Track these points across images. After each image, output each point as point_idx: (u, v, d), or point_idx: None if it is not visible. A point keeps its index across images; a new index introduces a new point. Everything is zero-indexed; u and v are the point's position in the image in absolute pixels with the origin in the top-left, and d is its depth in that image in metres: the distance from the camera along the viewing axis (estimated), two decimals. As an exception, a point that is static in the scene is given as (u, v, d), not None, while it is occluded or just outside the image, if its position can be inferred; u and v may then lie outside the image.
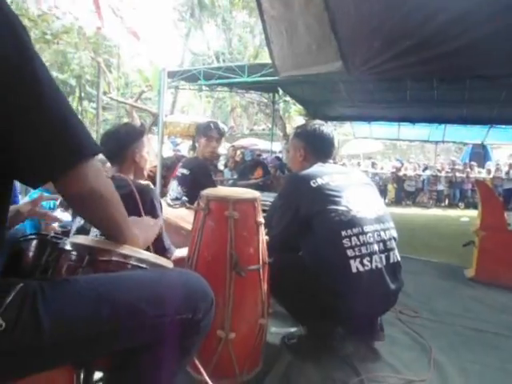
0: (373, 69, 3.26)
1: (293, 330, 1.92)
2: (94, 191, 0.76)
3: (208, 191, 1.56)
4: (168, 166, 5.36)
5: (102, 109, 16.16)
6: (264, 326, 1.54)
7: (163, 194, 3.42)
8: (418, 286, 2.83)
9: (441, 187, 11.98)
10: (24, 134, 0.65)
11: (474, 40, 2.63)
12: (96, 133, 15.11)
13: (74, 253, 0.93)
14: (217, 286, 1.03)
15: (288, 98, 9.53)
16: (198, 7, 16.95)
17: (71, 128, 0.70)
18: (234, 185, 5.27)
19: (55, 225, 1.76)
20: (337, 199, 1.63)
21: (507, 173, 10.96)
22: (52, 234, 1.12)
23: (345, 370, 1.69)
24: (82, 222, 1.51)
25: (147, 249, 1.09)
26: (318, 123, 1.93)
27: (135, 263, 0.93)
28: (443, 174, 12.14)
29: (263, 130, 19.52)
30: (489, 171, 11.44)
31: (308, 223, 1.64)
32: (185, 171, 2.70)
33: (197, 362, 1.18)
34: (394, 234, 1.73)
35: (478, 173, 11.66)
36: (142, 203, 1.46)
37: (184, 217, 2.11)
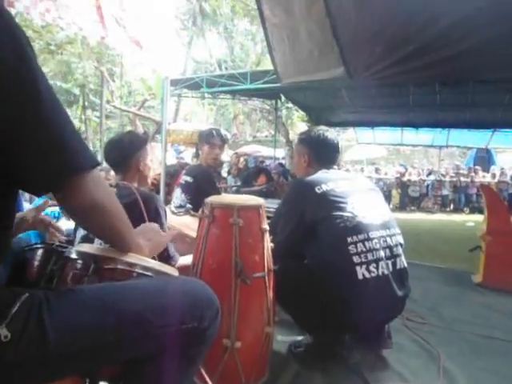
0: (375, 74, 3.27)
1: (299, 338, 1.89)
2: (95, 203, 0.76)
3: (212, 198, 1.56)
4: (171, 174, 5.36)
5: (106, 117, 16.28)
6: (270, 335, 1.52)
7: (167, 201, 3.42)
8: (424, 292, 2.79)
9: (445, 192, 11.92)
10: (22, 142, 0.65)
11: (476, 44, 2.63)
12: (99, 141, 15.21)
13: (80, 261, 0.93)
14: (222, 294, 1.02)
15: (290, 105, 9.55)
16: (200, 16, 17.12)
17: (69, 139, 0.70)
18: (237, 192, 5.27)
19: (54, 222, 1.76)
20: (342, 205, 1.62)
21: (512, 177, 10.91)
22: (57, 243, 1.12)
23: (353, 379, 1.66)
24: (87, 230, 1.50)
25: (152, 256, 1.08)
26: (322, 129, 1.92)
27: (140, 271, 0.92)
28: (447, 178, 12.09)
29: (266, 136, 19.58)
30: (493, 175, 11.39)
31: (313, 230, 1.63)
32: (188, 179, 2.70)
33: (203, 372, 1.17)
34: (401, 239, 1.72)
35: (483, 177, 11.60)
36: (146, 211, 1.46)
37: (188, 224, 2.10)
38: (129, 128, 14.33)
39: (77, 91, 16.18)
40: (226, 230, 1.46)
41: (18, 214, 1.30)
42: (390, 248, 1.63)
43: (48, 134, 0.66)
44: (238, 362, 1.44)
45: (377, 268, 1.56)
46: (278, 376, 1.64)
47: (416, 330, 2.18)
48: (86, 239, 1.47)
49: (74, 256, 0.94)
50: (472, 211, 11.00)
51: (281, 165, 8.28)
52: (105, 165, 1.89)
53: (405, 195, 12.09)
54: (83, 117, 17.37)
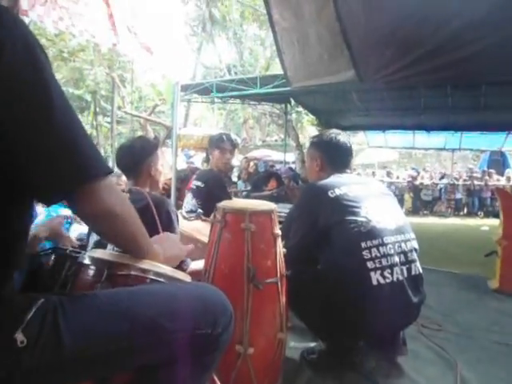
0: (386, 77, 3.24)
1: (312, 344, 1.87)
2: (108, 210, 0.75)
3: (224, 203, 1.55)
4: (182, 179, 5.38)
5: (117, 123, 16.49)
6: (283, 341, 1.50)
7: (178, 206, 3.43)
8: (439, 298, 2.74)
9: (459, 196, 11.75)
10: (34, 149, 0.65)
11: (488, 45, 2.60)
12: (111, 147, 15.41)
13: (93, 267, 0.93)
14: (234, 300, 1.01)
15: (300, 109, 9.54)
16: (209, 21, 17.27)
17: (82, 146, 0.70)
18: (247, 196, 5.26)
19: (73, 238, 1.78)
20: (355, 210, 1.60)
21: (527, 180, 10.70)
22: (70, 249, 1.13)
23: (367, 387, 1.63)
24: (100, 235, 1.51)
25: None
26: (334, 132, 1.90)
27: (153, 277, 0.92)
28: (461, 182, 11.92)
29: (276, 140, 19.58)
30: (508, 178, 11.18)
31: (326, 234, 1.61)
32: (199, 184, 2.70)
33: (215, 378, 1.15)
34: (415, 245, 1.68)
35: (497, 180, 11.40)
36: (157, 215, 1.46)
37: (200, 229, 2.10)
38: (139, 133, 14.49)
39: (88, 97, 16.43)
40: (238, 235, 1.45)
41: (31, 233, 1.31)
42: (405, 253, 1.60)
43: (61, 140, 0.66)
44: (250, 368, 1.42)
45: (391, 274, 1.53)
46: (292, 383, 1.62)
47: (431, 337, 2.14)
48: (99, 244, 1.48)
49: (87, 262, 0.95)
50: (486, 215, 10.80)
51: (291, 169, 8.25)
52: (116, 170, 1.91)
53: (417, 199, 11.95)
54: (94, 123, 17.62)
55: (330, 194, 1.63)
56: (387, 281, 1.52)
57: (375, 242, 1.55)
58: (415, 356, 1.89)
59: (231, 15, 17.28)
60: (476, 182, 11.53)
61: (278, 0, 3.27)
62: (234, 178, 8.41)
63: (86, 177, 0.70)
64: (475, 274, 3.65)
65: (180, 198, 4.05)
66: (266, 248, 1.47)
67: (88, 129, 16.29)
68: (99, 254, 0.99)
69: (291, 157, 10.85)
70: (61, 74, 14.09)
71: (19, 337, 0.62)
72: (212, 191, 2.56)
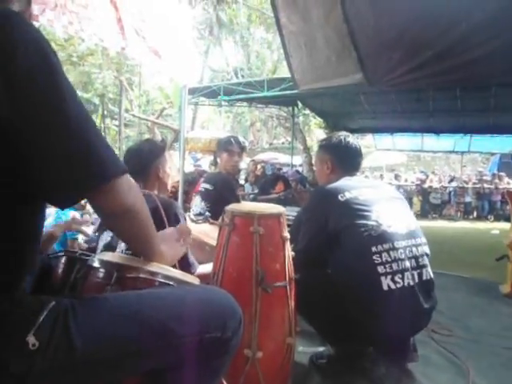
0: (394, 80, 3.22)
1: (321, 349, 1.85)
2: (128, 207, 0.76)
3: (232, 206, 1.54)
4: (190, 182, 5.40)
5: (124, 126, 16.63)
6: (292, 346, 1.48)
7: (186, 209, 3.44)
8: (450, 303, 2.69)
9: (468, 199, 11.62)
10: (48, 151, 0.65)
11: (498, 47, 2.57)
12: (118, 150, 15.52)
13: (102, 270, 0.93)
14: (243, 303, 1.00)
15: (308, 111, 9.53)
16: (216, 25, 17.36)
17: (99, 146, 0.70)
18: (254, 199, 5.26)
19: (81, 241, 1.79)
20: (366, 214, 1.58)
21: (538, 183, 10.54)
22: (80, 251, 1.13)
23: (377, 393, 1.61)
24: (109, 238, 1.51)
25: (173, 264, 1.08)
26: (343, 134, 1.89)
27: (162, 280, 0.92)
28: (470, 185, 11.78)
29: (283, 143, 19.58)
30: (519, 182, 11.04)
31: (336, 238, 1.59)
32: (208, 186, 2.70)
33: (224, 382, 1.14)
34: (427, 250, 1.66)
35: (508, 183, 11.25)
36: (166, 218, 1.46)
37: (208, 232, 2.10)
38: (147, 136, 14.59)
39: (96, 100, 16.60)
40: (247, 238, 1.44)
41: (46, 231, 1.32)
42: (416, 258, 1.58)
43: (76, 142, 0.66)
44: (259, 372, 1.40)
45: (402, 279, 1.51)
46: (300, 388, 1.61)
47: (442, 343, 2.10)
48: (108, 247, 1.48)
49: (96, 265, 0.95)
50: (497, 219, 10.66)
51: (298, 172, 8.23)
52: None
53: (426, 202, 11.84)
54: (102, 125, 17.79)
55: (339, 197, 1.62)
56: (398, 286, 1.49)
57: (386, 246, 1.53)
58: (426, 362, 1.85)
59: (238, 19, 17.36)
60: (486, 186, 11.40)
61: (286, 3, 3.27)
62: (241, 181, 8.41)
63: (104, 177, 0.70)
64: (486, 278, 3.60)
65: (187, 200, 4.06)
66: (275, 251, 1.46)
67: (97, 132, 16.37)
68: (108, 256, 1.00)
69: (298, 160, 10.84)
70: (70, 77, 14.17)
71: (31, 339, 0.62)
72: (221, 194, 2.56)
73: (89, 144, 0.68)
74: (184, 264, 1.52)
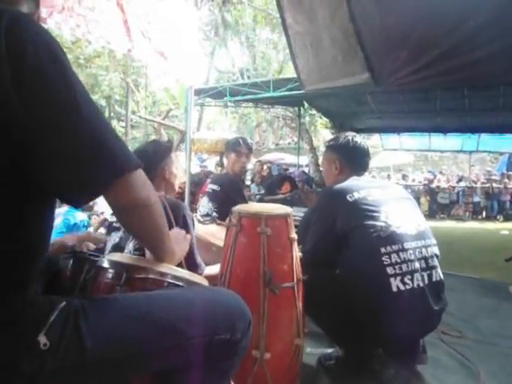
0: (401, 79, 3.20)
1: (329, 350, 1.84)
2: (142, 202, 0.76)
3: (240, 207, 1.54)
4: (196, 183, 5.41)
5: (131, 127, 16.72)
6: (300, 347, 1.48)
7: (192, 210, 3.44)
8: (460, 305, 2.66)
9: (477, 199, 11.49)
10: (61, 152, 0.65)
11: (506, 45, 2.53)
12: (125, 151, 15.56)
13: (112, 271, 0.94)
14: (251, 304, 1.00)
15: (314, 112, 9.50)
16: (222, 26, 17.40)
17: (112, 141, 0.70)
18: (261, 200, 5.25)
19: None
20: (375, 214, 1.56)
21: (548, 182, 10.40)
22: (89, 252, 1.14)
23: (386, 395, 1.59)
24: (117, 239, 1.52)
25: (180, 264, 1.08)
26: (351, 134, 1.87)
27: (171, 281, 0.92)
28: (479, 185, 11.66)
29: (289, 143, 19.55)
30: (528, 181, 10.91)
31: (345, 239, 1.58)
32: (215, 187, 2.71)
33: (233, 384, 1.14)
34: (436, 251, 1.64)
35: (516, 183, 11.13)
36: (174, 219, 1.46)
37: (214, 233, 2.10)
38: (153, 137, 14.66)
39: (103, 102, 16.70)
40: (254, 239, 1.44)
41: (58, 239, 1.33)
42: (426, 259, 1.56)
43: (89, 139, 0.66)
44: (267, 373, 1.40)
45: (412, 280, 1.49)
46: (309, 389, 1.60)
47: (452, 345, 2.08)
48: (116, 248, 1.48)
49: (106, 265, 0.95)
50: (506, 219, 10.54)
51: (304, 173, 8.22)
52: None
53: (434, 202, 11.73)
54: (109, 127, 17.86)
55: (348, 197, 1.61)
56: (407, 287, 1.48)
57: (395, 247, 1.51)
58: (435, 364, 1.83)
59: (244, 19, 17.37)
60: (495, 185, 11.27)
61: (292, 4, 3.26)
62: (247, 182, 8.41)
63: (117, 172, 0.70)
64: (495, 279, 3.56)
65: (194, 201, 4.07)
66: (282, 252, 1.46)
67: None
68: (118, 257, 1.00)
69: (305, 160, 10.82)
70: (77, 80, 14.32)
71: (42, 339, 0.63)
72: (228, 195, 2.56)
73: (101, 141, 0.68)
74: (191, 265, 1.52)
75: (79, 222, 3.44)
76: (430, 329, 1.65)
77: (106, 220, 1.62)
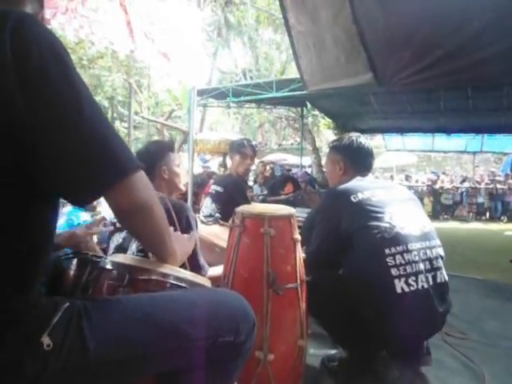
0: (404, 80, 3.19)
1: (332, 352, 1.83)
2: (143, 204, 0.76)
3: (243, 208, 1.54)
4: (199, 183, 5.42)
5: (134, 128, 16.72)
6: (303, 348, 1.47)
7: (195, 210, 3.45)
8: (464, 306, 2.65)
9: (481, 200, 11.41)
10: (64, 152, 0.65)
11: (510, 46, 2.52)
12: (128, 152, 15.59)
13: (115, 272, 0.93)
14: (254, 305, 1.00)
15: (317, 112, 9.49)
16: (224, 27, 17.42)
17: (114, 142, 0.70)
18: (263, 201, 5.25)
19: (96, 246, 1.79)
20: (379, 215, 1.55)
21: (553, 183, 10.34)
22: (92, 253, 1.14)
23: (390, 397, 1.58)
24: (120, 240, 1.52)
25: (183, 266, 1.08)
26: (354, 135, 1.87)
27: (174, 282, 0.92)
28: (483, 185, 11.60)
29: (292, 144, 19.54)
30: (533, 182, 10.84)
31: (348, 240, 1.57)
32: (218, 188, 2.70)
33: (236, 386, 1.14)
34: (441, 252, 1.62)
35: (521, 184, 11.06)
36: (177, 220, 1.46)
37: (218, 234, 2.09)
38: (156, 138, 14.68)
39: (106, 103, 16.73)
40: (258, 239, 1.43)
41: (70, 231, 1.34)
42: (430, 261, 1.55)
43: (92, 140, 0.66)
44: (271, 374, 1.40)
45: (416, 281, 1.48)
46: (312, 391, 1.59)
47: (456, 346, 2.07)
48: (119, 249, 1.48)
49: (109, 266, 0.95)
50: (510, 220, 10.48)
51: (307, 173, 8.20)
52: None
53: (437, 203, 11.68)
54: (112, 128, 17.89)
55: (352, 198, 1.60)
56: (412, 289, 1.47)
57: (399, 248, 1.50)
58: (439, 366, 1.82)
59: (246, 20, 17.38)
60: (499, 186, 11.21)
61: (294, 4, 3.26)
62: (250, 182, 8.41)
63: (119, 174, 0.70)
64: (499, 280, 3.53)
65: (197, 202, 4.07)
66: (286, 253, 1.45)
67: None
68: (121, 258, 1.00)
69: (307, 161, 10.80)
70: (80, 81, 14.36)
71: (45, 340, 0.63)
72: (231, 196, 2.56)
73: (104, 142, 0.68)
74: (194, 266, 1.52)
75: (82, 223, 3.45)
76: (434, 330, 1.64)
77: (104, 218, 1.62)
